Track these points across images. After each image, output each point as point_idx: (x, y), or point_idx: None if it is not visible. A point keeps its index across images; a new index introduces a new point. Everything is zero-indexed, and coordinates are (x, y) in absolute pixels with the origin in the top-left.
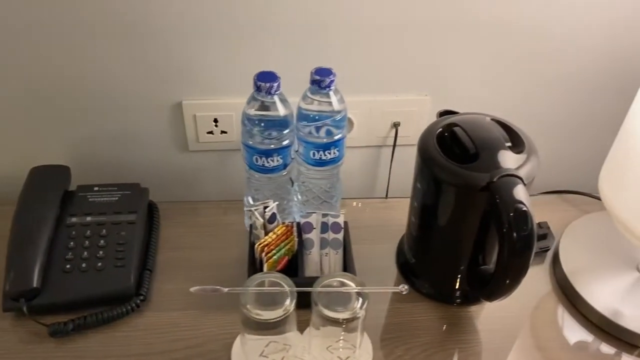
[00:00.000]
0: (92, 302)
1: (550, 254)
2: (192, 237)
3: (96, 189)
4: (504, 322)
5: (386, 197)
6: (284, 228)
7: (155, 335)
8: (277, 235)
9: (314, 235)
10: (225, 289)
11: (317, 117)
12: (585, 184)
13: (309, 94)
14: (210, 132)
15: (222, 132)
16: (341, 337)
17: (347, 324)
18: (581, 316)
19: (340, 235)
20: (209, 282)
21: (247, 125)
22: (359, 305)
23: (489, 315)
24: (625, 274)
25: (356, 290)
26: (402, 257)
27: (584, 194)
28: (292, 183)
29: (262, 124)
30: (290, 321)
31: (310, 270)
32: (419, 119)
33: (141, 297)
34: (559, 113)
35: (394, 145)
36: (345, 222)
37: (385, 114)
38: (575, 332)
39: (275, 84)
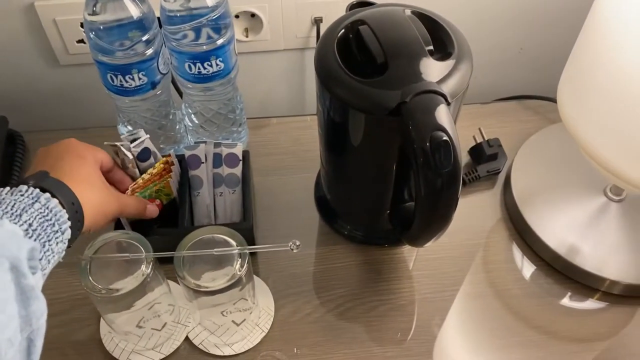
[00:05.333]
0: None
1: (501, 177)
2: None
3: None
4: (442, 265)
5: (317, 113)
6: (161, 165)
7: None
8: (151, 175)
9: (202, 172)
10: None
11: (184, 17)
12: (552, 86)
13: None
14: (82, 41)
15: None
16: (227, 301)
17: (228, 290)
18: (532, 253)
19: (237, 170)
20: None
21: (89, 34)
22: (237, 266)
23: (423, 257)
24: (590, 201)
25: (222, 252)
26: (319, 190)
27: (549, 99)
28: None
29: (109, 30)
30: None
31: (200, 215)
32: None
33: None
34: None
35: None
36: (246, 152)
37: (302, 7)
38: (524, 273)
39: None
